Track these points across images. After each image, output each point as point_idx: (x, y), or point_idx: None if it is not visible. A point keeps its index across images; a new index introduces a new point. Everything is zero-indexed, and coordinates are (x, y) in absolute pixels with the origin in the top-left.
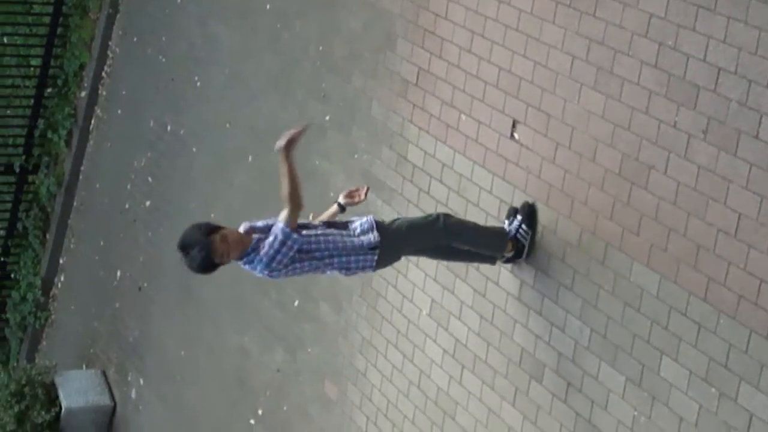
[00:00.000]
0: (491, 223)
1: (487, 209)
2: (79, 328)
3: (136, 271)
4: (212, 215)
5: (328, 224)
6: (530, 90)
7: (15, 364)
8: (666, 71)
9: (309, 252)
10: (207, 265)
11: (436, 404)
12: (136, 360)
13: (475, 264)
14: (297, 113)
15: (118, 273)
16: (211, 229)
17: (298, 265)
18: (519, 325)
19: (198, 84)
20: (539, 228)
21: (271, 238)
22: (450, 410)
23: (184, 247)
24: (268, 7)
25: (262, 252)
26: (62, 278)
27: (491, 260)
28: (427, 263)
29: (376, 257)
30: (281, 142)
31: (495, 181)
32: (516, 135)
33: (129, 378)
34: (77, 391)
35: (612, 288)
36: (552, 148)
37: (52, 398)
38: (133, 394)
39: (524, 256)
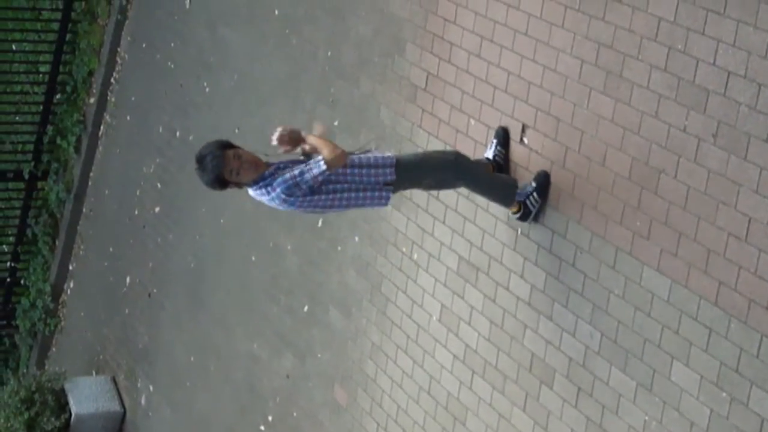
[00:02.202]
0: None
1: (497, 214)
2: (88, 335)
3: (146, 278)
4: (221, 221)
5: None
6: (539, 94)
7: (25, 371)
8: (675, 75)
9: (330, 183)
10: (217, 178)
11: (446, 410)
12: (146, 366)
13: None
14: (306, 118)
15: (128, 279)
16: (228, 145)
17: (315, 197)
18: (529, 330)
19: (207, 90)
20: (551, 233)
21: (305, 166)
22: (460, 416)
23: (200, 158)
24: (276, 12)
25: (290, 173)
26: (72, 285)
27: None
28: (437, 269)
29: (390, 194)
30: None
31: None
32: (525, 139)
33: (139, 384)
34: (87, 397)
35: (622, 292)
36: (561, 152)
37: (61, 405)
38: (143, 401)
39: (529, 221)
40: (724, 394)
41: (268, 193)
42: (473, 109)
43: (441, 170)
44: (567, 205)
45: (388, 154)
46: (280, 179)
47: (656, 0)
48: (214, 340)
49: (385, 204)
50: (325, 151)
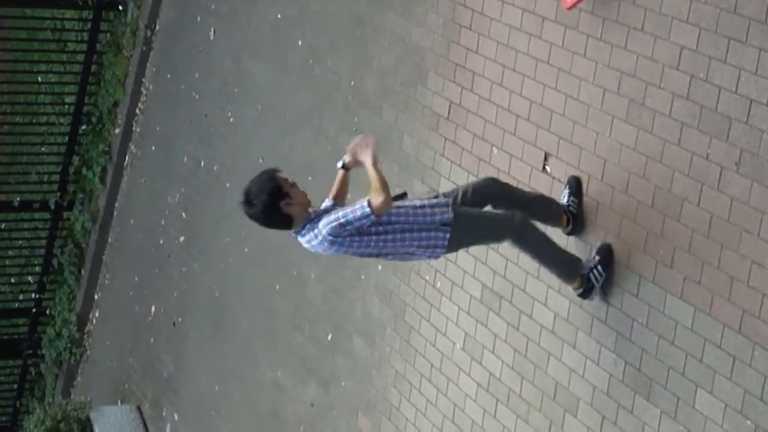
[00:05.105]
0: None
1: None
2: (114, 364)
3: (171, 307)
4: (246, 250)
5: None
6: (562, 123)
7: (50, 400)
8: (698, 103)
9: (381, 224)
10: (274, 195)
11: None
12: (171, 395)
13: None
14: (329, 148)
15: (153, 308)
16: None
17: (365, 238)
18: (553, 359)
19: (231, 120)
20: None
21: (353, 209)
22: None
23: (250, 186)
24: (300, 43)
25: (335, 214)
26: (97, 314)
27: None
28: (461, 297)
29: (448, 235)
30: (367, 155)
31: None
32: (548, 168)
33: (164, 413)
34: (112, 426)
35: (646, 321)
36: (584, 180)
37: None
38: (168, 430)
39: (591, 298)
40: (748, 422)
41: (316, 237)
42: (496, 137)
43: (501, 232)
44: (590, 232)
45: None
46: (325, 220)
47: (678, 29)
48: (239, 369)
49: (443, 246)
50: (373, 195)
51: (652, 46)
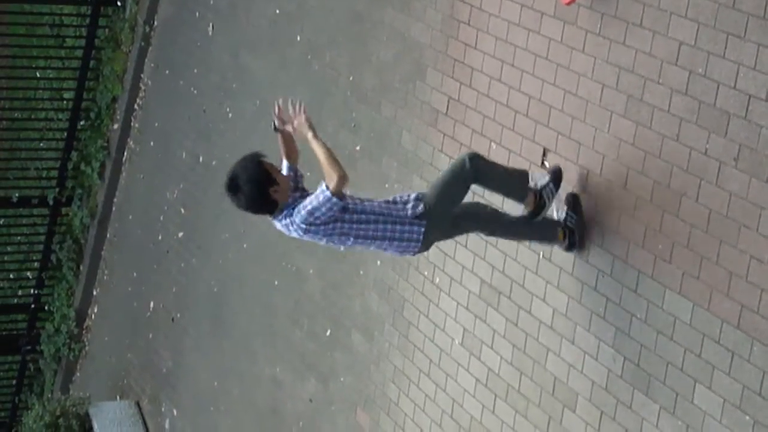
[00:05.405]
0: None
1: None
2: (112, 360)
3: (169, 302)
4: (244, 245)
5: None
6: (560, 118)
7: (49, 396)
8: (696, 98)
9: (354, 212)
10: (263, 183)
11: None
12: (170, 391)
13: (534, 241)
14: (328, 144)
15: (152, 304)
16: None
17: (338, 224)
18: (552, 354)
19: (229, 115)
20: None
21: (315, 195)
22: None
23: (235, 170)
24: (298, 38)
25: (302, 204)
26: (96, 310)
27: (549, 239)
28: (459, 293)
29: (423, 228)
30: (304, 128)
31: None
32: (547, 163)
33: (162, 409)
34: (111, 422)
35: (645, 316)
36: (583, 176)
37: (86, 429)
38: (167, 425)
39: (575, 250)
40: (747, 418)
41: (292, 224)
42: (495, 133)
43: (461, 180)
44: (589, 228)
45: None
46: (296, 210)
47: (676, 24)
48: (238, 365)
49: (417, 240)
50: (327, 177)
51: (650, 41)
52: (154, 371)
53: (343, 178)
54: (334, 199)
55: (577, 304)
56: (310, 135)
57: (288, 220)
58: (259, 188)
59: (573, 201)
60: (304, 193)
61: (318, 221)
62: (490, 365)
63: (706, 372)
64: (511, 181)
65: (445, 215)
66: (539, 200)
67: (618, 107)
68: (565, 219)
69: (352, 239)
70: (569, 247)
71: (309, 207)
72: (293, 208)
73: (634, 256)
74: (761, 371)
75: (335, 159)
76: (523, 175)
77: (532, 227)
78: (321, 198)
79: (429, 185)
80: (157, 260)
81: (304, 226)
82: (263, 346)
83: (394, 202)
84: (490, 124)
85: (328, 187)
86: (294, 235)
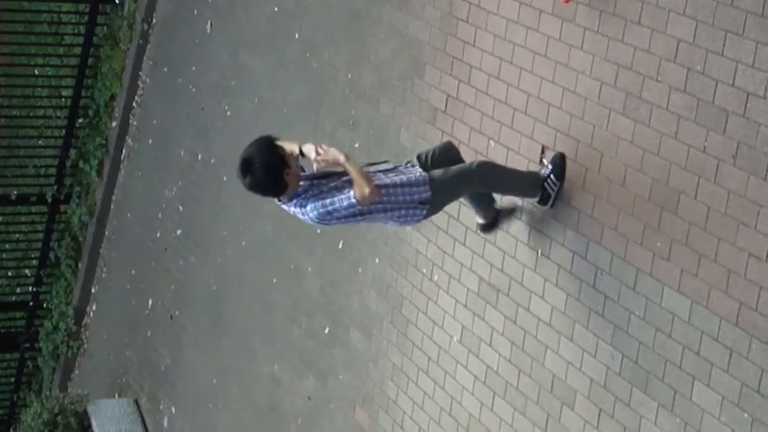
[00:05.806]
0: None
1: (518, 235)
2: (111, 357)
3: (168, 300)
4: (243, 243)
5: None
6: (559, 116)
7: (48, 394)
8: (695, 96)
9: (368, 212)
10: (277, 165)
11: None
12: (168, 388)
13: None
14: (326, 141)
15: (150, 302)
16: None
17: (351, 218)
18: (550, 351)
19: (228, 113)
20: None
21: (340, 199)
22: None
23: (250, 159)
24: (297, 36)
25: (322, 201)
26: (94, 307)
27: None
28: (458, 290)
29: (425, 212)
30: (336, 154)
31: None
32: (545, 161)
33: (161, 406)
34: (110, 419)
35: (643, 314)
36: (581, 173)
37: (84, 427)
38: (166, 423)
39: (549, 205)
40: (745, 415)
41: (303, 214)
42: (493, 131)
43: (467, 179)
44: (587, 226)
45: (418, 170)
46: (312, 204)
47: (675, 21)
48: (236, 363)
49: (419, 219)
50: (357, 191)
51: (649, 38)
52: (153, 369)
53: (373, 194)
54: (358, 207)
55: (576, 302)
56: (342, 158)
57: (300, 209)
58: (274, 170)
59: (560, 163)
60: (315, 183)
61: (332, 218)
62: (489, 363)
63: (705, 369)
64: (521, 180)
65: (445, 203)
66: (543, 193)
67: (616, 105)
68: (546, 178)
69: (359, 224)
70: (541, 202)
71: (330, 207)
72: (305, 198)
73: (633, 253)
74: (759, 368)
75: (368, 176)
76: (532, 175)
77: (520, 184)
78: (345, 203)
79: (440, 171)
80: (155, 258)
81: (317, 219)
82: (262, 344)
83: (402, 185)
84: (488, 121)
85: (355, 196)
86: (303, 218)
